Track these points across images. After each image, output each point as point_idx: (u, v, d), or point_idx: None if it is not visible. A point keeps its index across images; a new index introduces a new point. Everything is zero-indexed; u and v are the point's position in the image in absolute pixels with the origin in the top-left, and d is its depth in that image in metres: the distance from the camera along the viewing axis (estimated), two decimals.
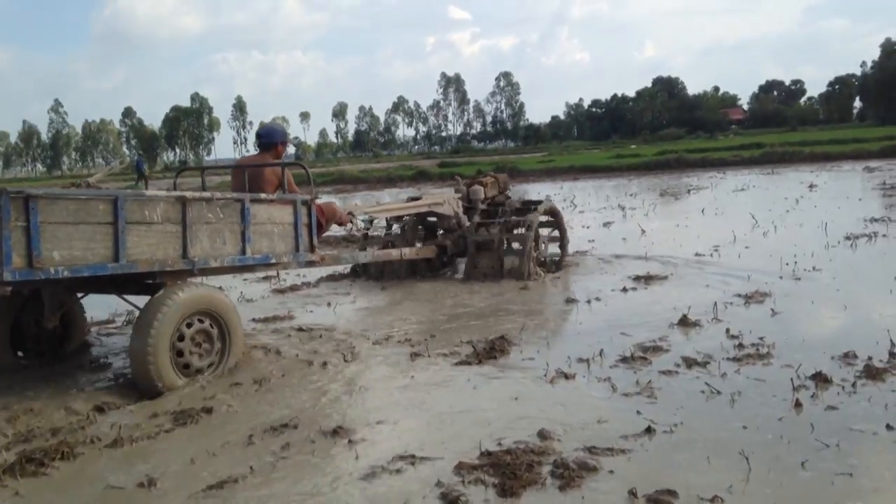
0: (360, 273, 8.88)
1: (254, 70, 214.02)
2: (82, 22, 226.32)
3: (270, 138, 6.59)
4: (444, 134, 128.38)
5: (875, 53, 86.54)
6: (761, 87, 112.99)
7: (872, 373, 4.39)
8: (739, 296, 6.66)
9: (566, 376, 4.64)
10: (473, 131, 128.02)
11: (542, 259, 8.61)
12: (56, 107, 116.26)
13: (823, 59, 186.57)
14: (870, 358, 4.66)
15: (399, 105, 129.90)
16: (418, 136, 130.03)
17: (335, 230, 9.19)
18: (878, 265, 7.98)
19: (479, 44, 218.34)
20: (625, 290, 7.32)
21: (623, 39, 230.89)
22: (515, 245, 8.35)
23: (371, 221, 8.97)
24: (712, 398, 4.17)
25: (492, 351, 5.21)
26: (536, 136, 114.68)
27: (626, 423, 3.82)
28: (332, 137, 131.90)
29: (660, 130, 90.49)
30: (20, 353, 5.54)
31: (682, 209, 15.01)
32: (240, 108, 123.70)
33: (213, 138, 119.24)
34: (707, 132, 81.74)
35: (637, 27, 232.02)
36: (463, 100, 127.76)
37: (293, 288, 8.52)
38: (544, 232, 9.02)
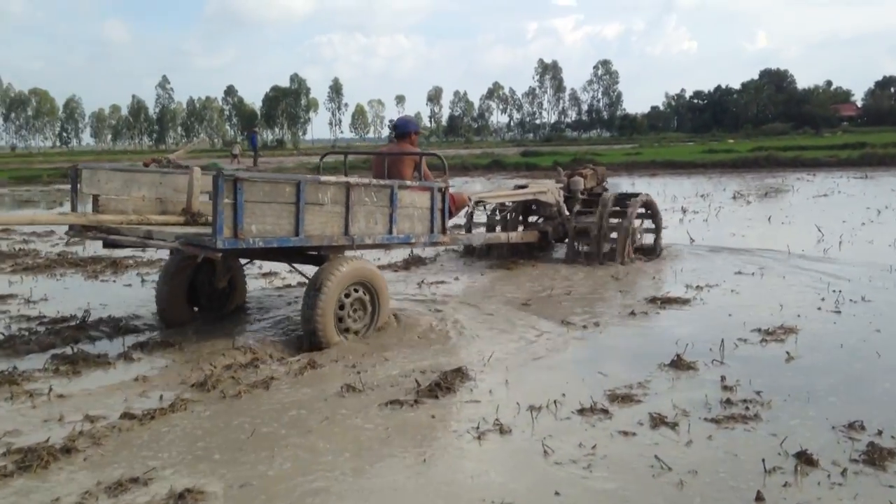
0: (471, 253, 9.73)
1: (356, 53, 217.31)
2: (197, 0, 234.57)
3: (405, 128, 7.43)
4: (538, 121, 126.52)
5: None
6: (877, 83, 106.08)
7: (875, 455, 3.49)
8: (758, 331, 5.73)
9: (501, 430, 3.91)
10: (568, 120, 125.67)
11: (638, 247, 9.19)
12: (163, 83, 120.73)
13: None
14: (879, 432, 3.75)
15: (494, 91, 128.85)
16: (512, 123, 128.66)
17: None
18: None
19: (583, 31, 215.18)
20: (633, 314, 6.48)
21: (733, 29, 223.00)
22: (613, 234, 8.97)
23: (485, 206, 9.57)
24: (659, 477, 3.38)
25: (436, 388, 4.52)
26: (632, 126, 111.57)
27: None
28: (426, 122, 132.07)
29: (764, 125, 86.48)
30: (195, 309, 6.54)
31: (748, 215, 13.74)
32: (336, 89, 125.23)
33: (309, 118, 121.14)
34: (814, 128, 77.39)
35: (749, 16, 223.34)
36: (559, 87, 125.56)
37: (413, 263, 9.34)
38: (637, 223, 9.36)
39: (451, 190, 6.75)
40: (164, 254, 10.08)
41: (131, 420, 4.06)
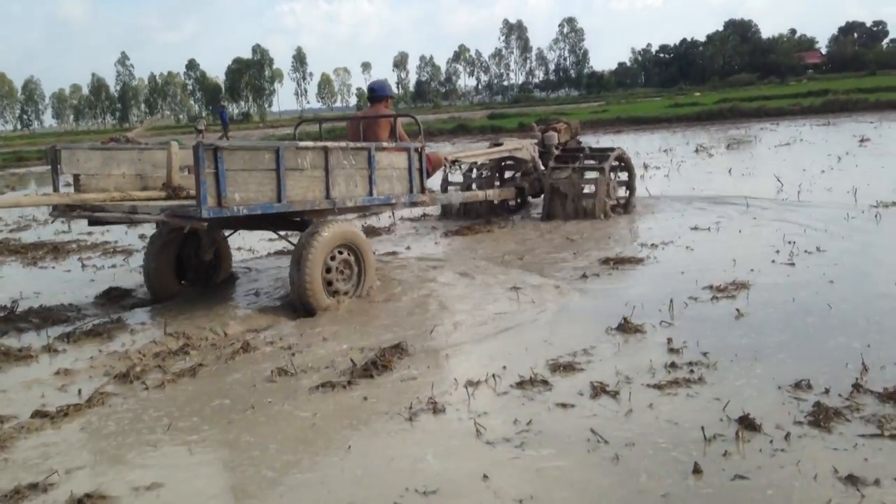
0: (449, 213, 9.84)
1: (320, 21, 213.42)
2: None
3: (382, 91, 7.64)
4: (505, 83, 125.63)
5: None
6: (840, 29, 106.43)
7: (820, 416, 3.33)
8: (710, 288, 5.57)
9: (435, 410, 3.71)
10: (536, 80, 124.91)
11: (614, 201, 9.15)
12: (123, 59, 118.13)
13: None
14: (826, 391, 3.60)
15: (460, 54, 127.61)
16: (480, 86, 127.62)
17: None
18: None
19: None
20: (584, 276, 6.29)
21: None
22: (588, 188, 9.04)
23: (459, 165, 9.37)
24: (594, 451, 3.20)
25: (372, 366, 4.31)
26: (600, 84, 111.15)
27: (457, 498, 2.91)
28: (393, 88, 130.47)
29: (731, 76, 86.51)
30: (182, 282, 6.56)
31: (709, 168, 13.61)
32: (300, 59, 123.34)
33: (273, 90, 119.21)
34: (779, 77, 77.57)
35: None
36: (525, 48, 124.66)
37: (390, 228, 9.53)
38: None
39: (426, 150, 6.81)
40: (111, 236, 9.83)
41: (43, 419, 3.81)
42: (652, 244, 7.32)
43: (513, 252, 7.43)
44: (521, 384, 3.97)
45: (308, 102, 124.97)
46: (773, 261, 6.28)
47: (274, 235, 7.19)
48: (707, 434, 3.23)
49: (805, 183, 10.33)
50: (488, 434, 3.41)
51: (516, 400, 3.80)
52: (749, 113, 28.26)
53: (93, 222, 6.33)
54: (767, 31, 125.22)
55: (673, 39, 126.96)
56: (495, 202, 9.56)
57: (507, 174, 10.07)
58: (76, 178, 5.92)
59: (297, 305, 5.57)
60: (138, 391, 4.20)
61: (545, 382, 3.98)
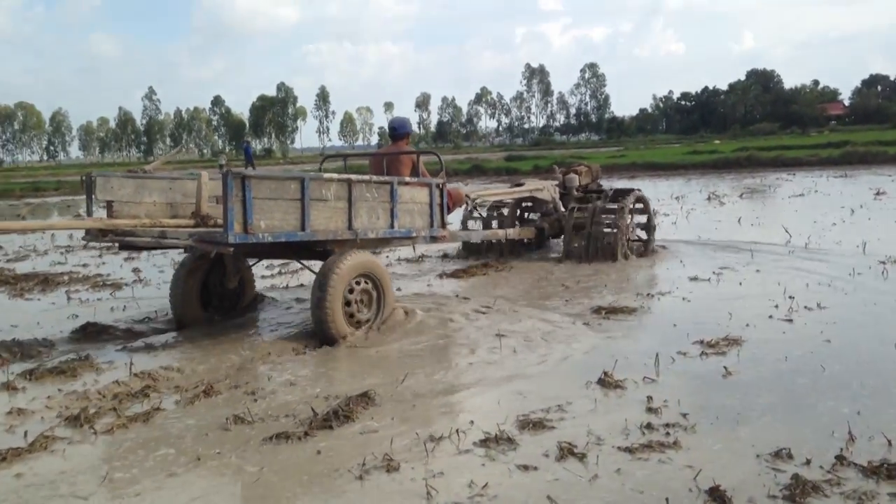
0: (471, 250, 9.88)
1: (345, 61, 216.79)
2: (184, 12, 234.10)
3: (403, 129, 7.74)
4: (526, 126, 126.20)
5: None
6: (864, 82, 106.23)
7: (797, 490, 3.07)
8: (700, 343, 5.32)
9: (389, 467, 3.48)
10: (557, 124, 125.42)
11: (633, 242, 9.20)
12: (150, 94, 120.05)
13: None
14: (808, 462, 3.34)
15: (482, 96, 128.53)
16: (500, 128, 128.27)
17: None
18: None
19: (571, 34, 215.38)
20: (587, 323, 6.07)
21: (720, 30, 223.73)
22: (607, 229, 8.97)
23: (480, 204, 9.45)
24: None
25: (333, 416, 4.09)
26: (620, 129, 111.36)
27: None
28: (415, 128, 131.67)
29: (752, 125, 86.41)
30: (207, 309, 6.69)
31: (719, 217, 13.33)
32: (323, 97, 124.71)
33: (296, 127, 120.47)
34: (801, 128, 77.28)
35: (736, 17, 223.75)
36: (546, 91, 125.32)
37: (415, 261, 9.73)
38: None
39: (448, 186, 6.97)
40: (105, 268, 9.74)
41: None
42: (648, 293, 7.09)
43: (505, 296, 7.23)
44: (485, 441, 3.74)
45: (330, 140, 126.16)
46: (770, 316, 6.02)
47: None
48: None
49: (815, 235, 10.08)
50: (439, 497, 3.18)
51: (477, 459, 3.57)
52: (766, 162, 27.96)
53: (123, 246, 6.48)
54: (790, 81, 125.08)
55: (695, 87, 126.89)
56: (514, 241, 9.62)
57: (528, 215, 10.27)
58: (109, 204, 6.10)
59: (318, 334, 5.71)
60: (87, 435, 4.01)
61: (511, 440, 3.74)
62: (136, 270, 9.62)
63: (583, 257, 8.94)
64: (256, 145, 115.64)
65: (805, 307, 6.22)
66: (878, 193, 15.64)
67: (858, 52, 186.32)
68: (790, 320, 5.88)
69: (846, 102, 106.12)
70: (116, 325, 6.54)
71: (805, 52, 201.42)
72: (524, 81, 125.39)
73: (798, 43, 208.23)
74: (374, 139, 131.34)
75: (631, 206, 9.24)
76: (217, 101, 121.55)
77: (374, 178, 6.17)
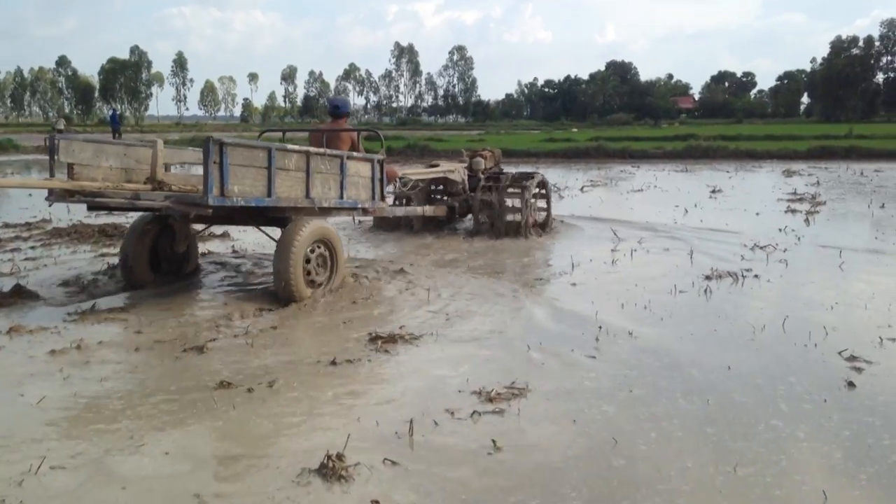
0: (382, 225, 10.33)
1: (210, 27, 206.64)
2: None
3: (345, 108, 8.17)
4: (394, 105, 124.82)
5: (826, 50, 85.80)
6: (713, 78, 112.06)
7: None
8: (478, 394, 4.21)
9: None
10: (425, 104, 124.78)
11: (535, 221, 9.94)
12: None
13: (778, 52, 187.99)
14: None
15: (350, 72, 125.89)
16: (368, 106, 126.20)
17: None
18: (724, 331, 5.52)
19: (444, 16, 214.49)
20: (334, 363, 4.84)
21: (585, 21, 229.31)
22: (512, 206, 9.74)
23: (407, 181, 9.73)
24: None
25: None
26: (485, 113, 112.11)
27: None
28: (280, 101, 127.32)
29: (609, 115, 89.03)
30: (155, 273, 6.93)
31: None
32: (180, 64, 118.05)
33: (150, 94, 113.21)
34: (654, 119, 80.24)
35: (600, 9, 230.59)
36: (415, 71, 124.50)
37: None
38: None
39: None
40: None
41: None
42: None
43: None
44: None
45: (187, 109, 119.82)
46: (572, 351, 5.01)
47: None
48: None
49: (646, 239, 9.37)
50: None
51: None
52: (615, 153, 28.04)
53: (92, 207, 6.70)
54: (646, 74, 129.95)
55: (559, 75, 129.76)
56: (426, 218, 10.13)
57: (436, 195, 10.78)
58: (70, 166, 6.28)
59: (280, 294, 6.10)
60: None
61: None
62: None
63: (490, 234, 9.64)
64: (106, 112, 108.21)
65: (614, 335, 5.25)
66: (713, 191, 15.47)
67: (711, 48, 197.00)
68: (593, 356, 4.88)
69: (696, 97, 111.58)
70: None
71: (662, 46, 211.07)
72: (393, 60, 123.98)
73: (656, 37, 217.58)
74: (238, 111, 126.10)
75: (535, 190, 9.92)
76: (62, 62, 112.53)
77: (328, 151, 6.60)
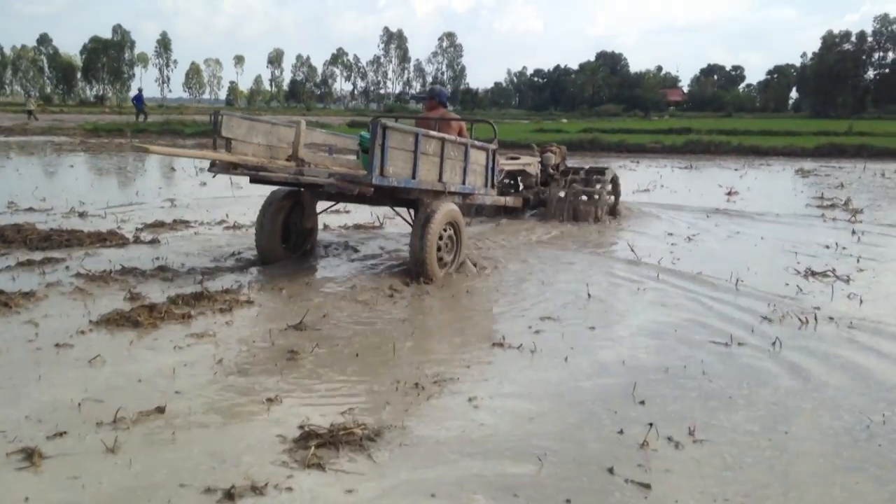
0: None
1: (199, 8, 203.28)
2: None
3: (444, 97, 8.44)
4: (382, 91, 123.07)
5: (817, 45, 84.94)
6: (702, 71, 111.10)
7: None
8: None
9: None
10: (413, 91, 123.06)
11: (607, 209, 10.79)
12: None
13: (768, 47, 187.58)
14: None
15: (338, 57, 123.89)
16: (356, 91, 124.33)
17: None
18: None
19: (435, 3, 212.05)
20: None
21: (576, 12, 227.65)
22: (585, 198, 10.68)
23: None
24: None
25: None
26: (474, 101, 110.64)
27: None
28: (266, 85, 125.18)
29: (598, 106, 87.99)
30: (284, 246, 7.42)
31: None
32: (164, 45, 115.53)
33: (133, 74, 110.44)
34: (643, 111, 79.22)
35: (592, 0, 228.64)
36: (404, 57, 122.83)
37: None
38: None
39: None
40: None
41: None
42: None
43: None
44: None
45: (171, 91, 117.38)
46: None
47: None
48: None
49: (665, 255, 8.11)
50: None
51: None
52: (610, 146, 26.70)
53: (255, 180, 6.73)
54: (636, 66, 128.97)
55: (548, 65, 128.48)
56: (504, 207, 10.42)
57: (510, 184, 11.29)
58: (228, 141, 6.60)
59: (414, 272, 6.43)
60: None
61: None
62: None
63: (564, 219, 10.36)
64: (88, 91, 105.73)
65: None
66: (729, 194, 13.99)
67: (701, 41, 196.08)
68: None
69: (685, 89, 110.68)
70: None
71: (653, 39, 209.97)
72: (382, 46, 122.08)
73: (647, 29, 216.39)
74: (223, 94, 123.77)
75: (609, 185, 10.81)
76: (44, 40, 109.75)
77: (459, 139, 6.89)
